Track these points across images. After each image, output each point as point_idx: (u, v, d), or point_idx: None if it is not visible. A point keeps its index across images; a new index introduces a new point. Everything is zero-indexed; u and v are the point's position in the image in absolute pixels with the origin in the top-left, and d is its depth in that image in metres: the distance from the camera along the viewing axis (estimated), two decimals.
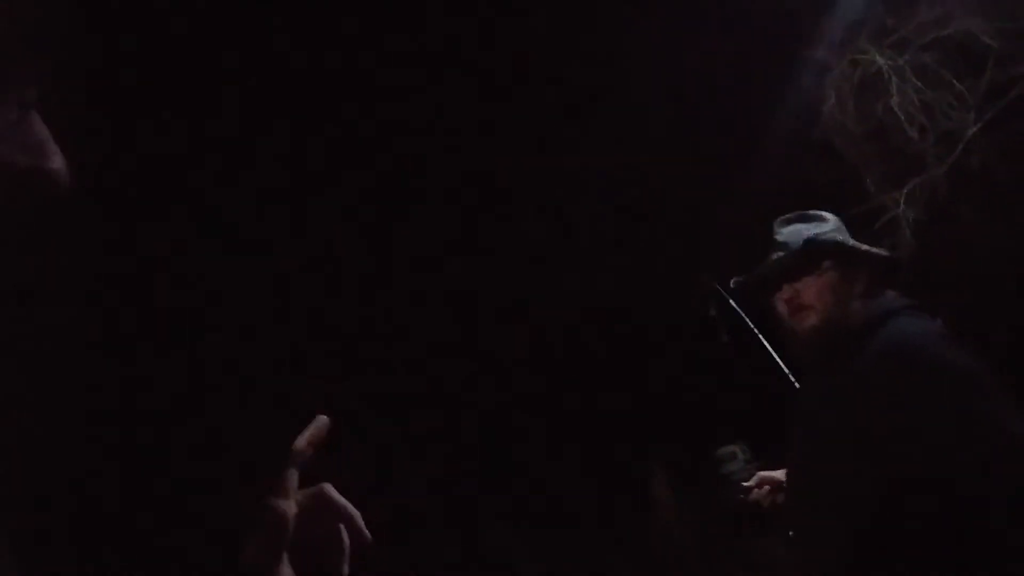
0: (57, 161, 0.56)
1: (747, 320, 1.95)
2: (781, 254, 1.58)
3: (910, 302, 1.51)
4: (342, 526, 0.55)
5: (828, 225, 1.64)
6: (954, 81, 2.98)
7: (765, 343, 1.91)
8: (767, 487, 1.68)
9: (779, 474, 1.68)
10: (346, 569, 0.57)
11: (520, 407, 3.81)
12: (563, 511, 3.49)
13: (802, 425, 1.53)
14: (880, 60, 3.01)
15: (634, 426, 3.67)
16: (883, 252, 1.57)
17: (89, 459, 3.13)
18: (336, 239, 3.86)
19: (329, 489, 0.55)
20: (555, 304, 3.84)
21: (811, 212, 1.66)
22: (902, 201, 3.32)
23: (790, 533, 1.57)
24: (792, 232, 1.61)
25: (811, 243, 1.55)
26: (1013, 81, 2.98)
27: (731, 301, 1.94)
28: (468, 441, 3.77)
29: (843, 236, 1.59)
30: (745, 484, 1.68)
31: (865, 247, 1.59)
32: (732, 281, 1.72)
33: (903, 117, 3.04)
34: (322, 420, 0.58)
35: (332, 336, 3.93)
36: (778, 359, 1.87)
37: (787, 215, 1.65)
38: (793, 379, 1.84)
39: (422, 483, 3.59)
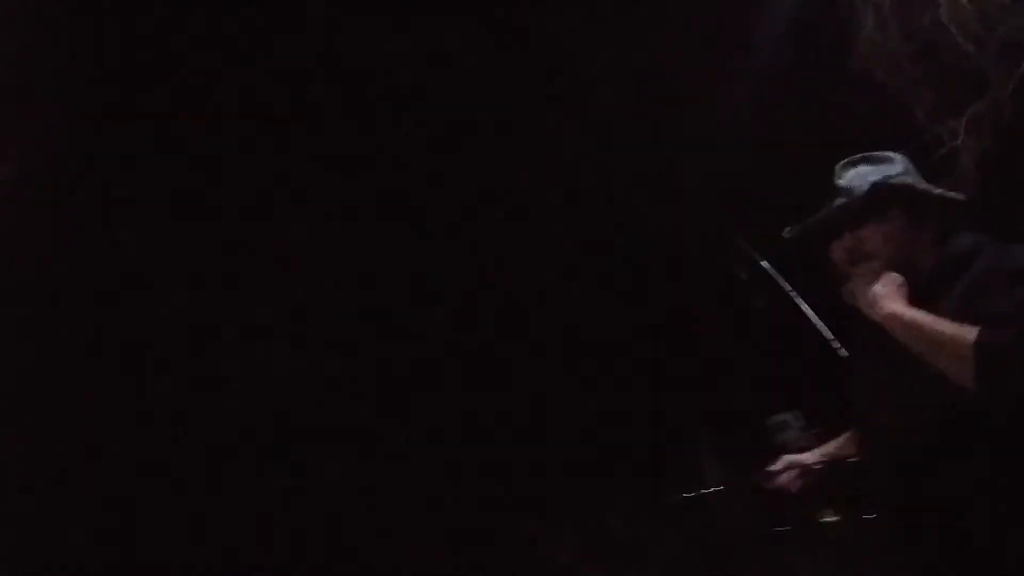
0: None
1: (782, 282, 1.77)
2: (844, 200, 1.48)
3: (988, 238, 1.41)
4: None
5: (897, 167, 1.53)
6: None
7: (803, 306, 1.74)
8: (794, 471, 1.62)
9: (807, 457, 1.63)
10: None
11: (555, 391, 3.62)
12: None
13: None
14: None
15: (679, 401, 3.44)
16: (958, 196, 1.48)
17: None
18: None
19: None
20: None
21: (877, 153, 1.54)
22: (962, 130, 2.90)
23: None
24: (856, 176, 1.51)
25: (879, 187, 1.45)
26: None
27: (764, 263, 1.79)
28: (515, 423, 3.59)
29: (914, 178, 1.49)
30: (769, 469, 1.63)
31: (939, 191, 1.48)
32: (786, 230, 1.57)
33: (955, 29, 2.61)
34: None
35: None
36: (818, 322, 1.70)
37: (851, 157, 1.53)
38: (835, 342, 1.69)
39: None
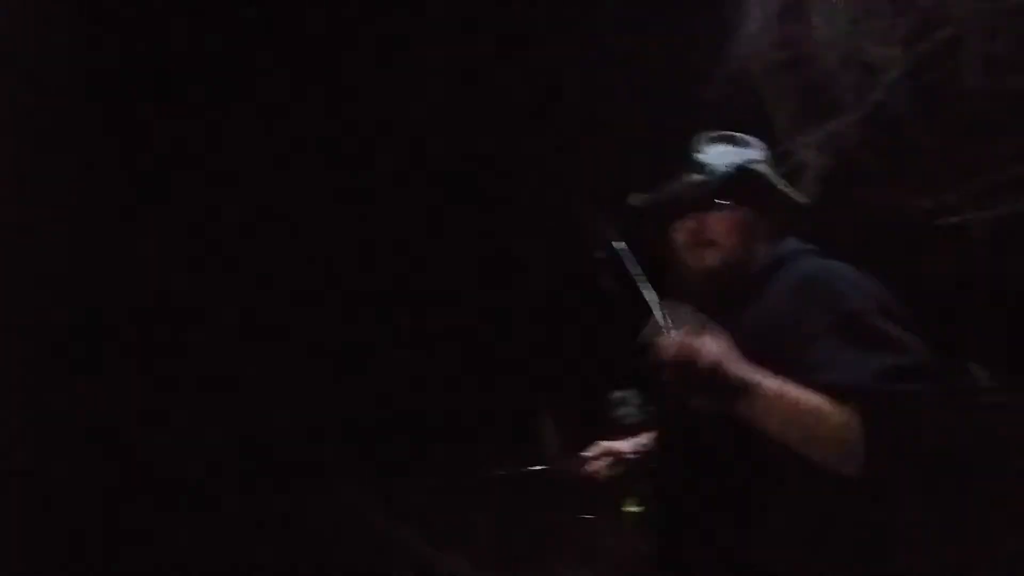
0: None
1: (631, 263, 1.68)
2: (701, 177, 1.40)
3: (812, 247, 1.39)
4: None
5: (757, 154, 1.48)
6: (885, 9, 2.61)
7: (645, 291, 1.62)
8: (607, 459, 1.59)
9: (622, 446, 1.60)
10: None
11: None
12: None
13: None
14: None
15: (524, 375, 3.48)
16: (803, 198, 1.45)
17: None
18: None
19: None
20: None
21: (741, 135, 1.48)
22: (811, 148, 2.98)
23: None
24: (718, 154, 1.43)
25: (743, 171, 1.38)
26: (946, 21, 2.65)
27: (621, 245, 1.62)
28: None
29: (772, 171, 1.44)
30: (584, 455, 1.60)
31: (791, 189, 1.44)
32: (634, 196, 1.47)
33: (823, 47, 2.67)
34: None
35: None
36: (657, 311, 1.58)
37: (713, 132, 1.47)
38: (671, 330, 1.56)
39: None
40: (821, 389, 1.14)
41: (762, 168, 1.41)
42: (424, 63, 3.48)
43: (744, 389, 1.14)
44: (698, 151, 1.44)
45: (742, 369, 1.15)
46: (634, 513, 1.58)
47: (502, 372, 3.51)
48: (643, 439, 1.60)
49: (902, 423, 1.09)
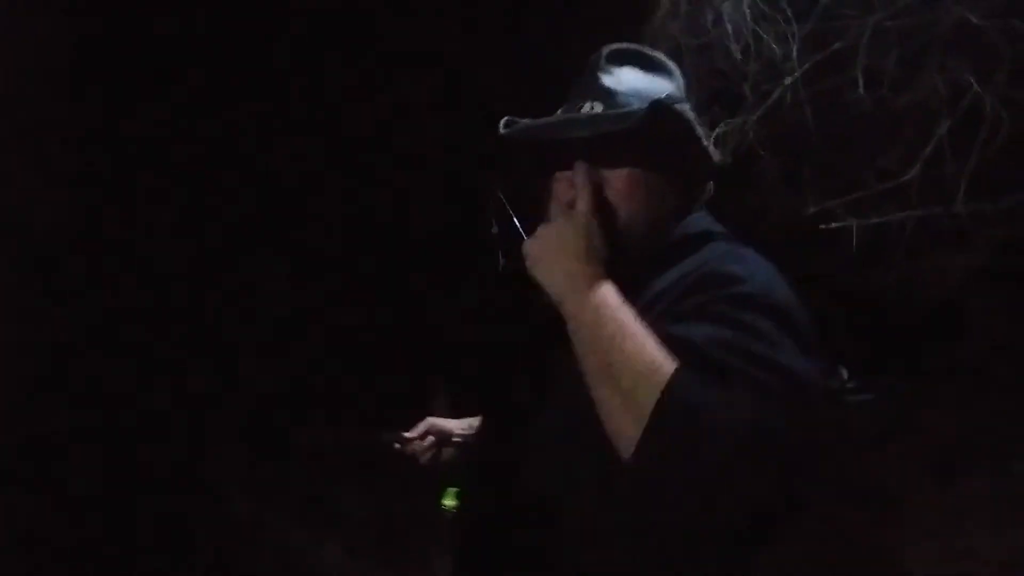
0: None
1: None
2: (599, 110, 1.02)
3: (724, 229, 1.11)
4: None
5: (675, 85, 1.11)
6: (784, 12, 2.66)
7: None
8: (431, 438, 1.35)
9: (451, 424, 1.36)
10: None
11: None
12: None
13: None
14: None
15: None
16: (723, 158, 1.15)
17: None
18: None
19: None
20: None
21: (654, 55, 1.11)
22: (711, 141, 3.00)
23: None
24: (629, 81, 1.05)
25: (660, 110, 0.99)
26: (838, 34, 2.73)
27: (516, 222, 1.42)
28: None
29: (694, 114, 1.07)
30: (406, 434, 1.36)
31: (711, 144, 1.09)
32: (505, 123, 1.08)
33: (730, 37, 2.66)
34: None
35: None
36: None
37: (619, 45, 1.08)
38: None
39: None
40: (660, 341, 0.89)
41: (684, 109, 1.04)
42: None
43: (560, 300, 0.94)
44: (600, 70, 1.05)
45: (568, 277, 0.94)
46: (449, 508, 1.28)
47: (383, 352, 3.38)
48: (477, 420, 1.35)
49: (709, 411, 0.82)
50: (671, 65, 1.11)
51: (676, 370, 0.85)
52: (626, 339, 0.89)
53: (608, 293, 0.94)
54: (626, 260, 1.01)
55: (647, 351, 0.87)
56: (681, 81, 1.11)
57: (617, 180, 1.02)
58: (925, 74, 2.48)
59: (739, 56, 2.66)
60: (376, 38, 3.35)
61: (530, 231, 1.09)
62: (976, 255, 2.63)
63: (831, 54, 2.66)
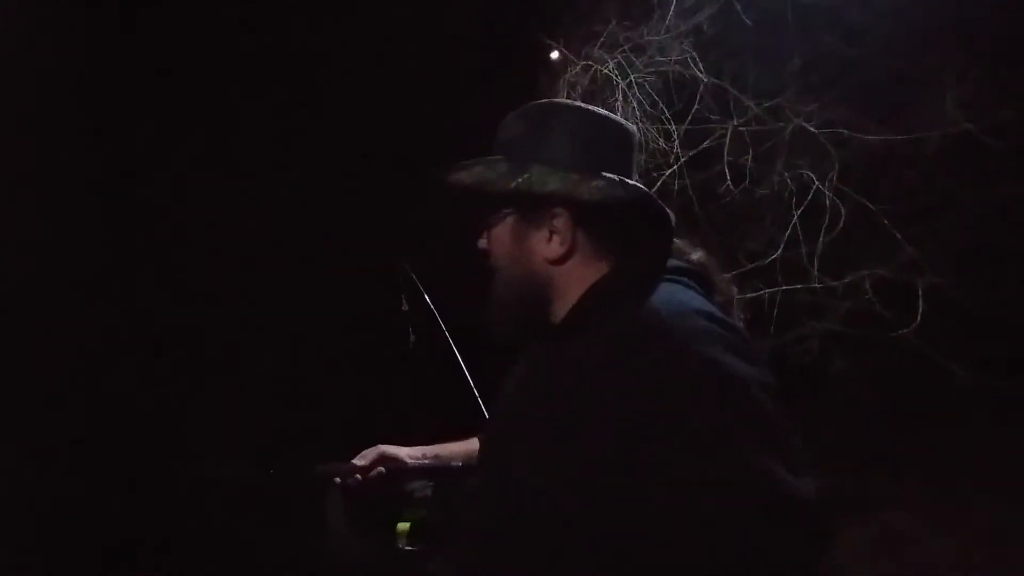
0: None
1: (440, 322, 1.58)
2: (488, 166, 0.95)
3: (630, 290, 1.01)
4: None
5: (566, 139, 0.98)
6: (663, 113, 3.06)
7: (457, 356, 1.58)
8: (380, 469, 1.19)
9: (404, 452, 1.22)
10: None
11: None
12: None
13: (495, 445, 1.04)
14: (611, 70, 2.97)
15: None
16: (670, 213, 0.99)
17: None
18: None
19: None
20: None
21: (564, 103, 1.06)
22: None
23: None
24: (513, 137, 0.99)
25: (520, 168, 0.93)
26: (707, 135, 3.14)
27: (426, 298, 1.56)
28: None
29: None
30: (357, 463, 1.19)
31: (639, 194, 0.97)
32: (438, 172, 0.98)
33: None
34: None
35: None
36: (469, 378, 1.56)
37: (537, 103, 1.04)
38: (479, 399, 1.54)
39: None
40: None
41: (560, 175, 0.92)
42: None
43: None
44: (502, 126, 1.00)
45: None
46: (403, 539, 1.13)
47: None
48: (432, 449, 1.25)
49: None
50: (577, 108, 1.02)
51: None
52: None
53: None
54: (518, 321, 0.97)
55: None
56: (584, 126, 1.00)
57: (498, 235, 0.99)
58: (775, 171, 2.93)
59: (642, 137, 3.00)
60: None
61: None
62: (830, 323, 3.05)
63: (702, 151, 3.07)
